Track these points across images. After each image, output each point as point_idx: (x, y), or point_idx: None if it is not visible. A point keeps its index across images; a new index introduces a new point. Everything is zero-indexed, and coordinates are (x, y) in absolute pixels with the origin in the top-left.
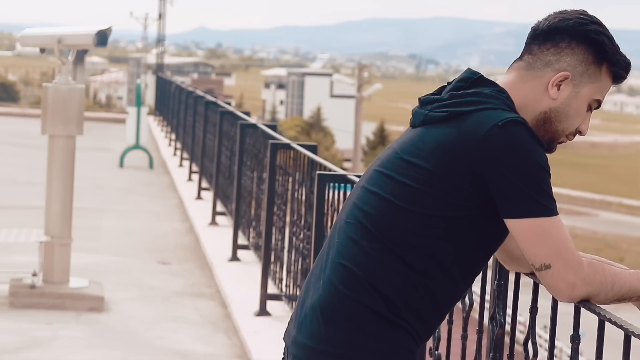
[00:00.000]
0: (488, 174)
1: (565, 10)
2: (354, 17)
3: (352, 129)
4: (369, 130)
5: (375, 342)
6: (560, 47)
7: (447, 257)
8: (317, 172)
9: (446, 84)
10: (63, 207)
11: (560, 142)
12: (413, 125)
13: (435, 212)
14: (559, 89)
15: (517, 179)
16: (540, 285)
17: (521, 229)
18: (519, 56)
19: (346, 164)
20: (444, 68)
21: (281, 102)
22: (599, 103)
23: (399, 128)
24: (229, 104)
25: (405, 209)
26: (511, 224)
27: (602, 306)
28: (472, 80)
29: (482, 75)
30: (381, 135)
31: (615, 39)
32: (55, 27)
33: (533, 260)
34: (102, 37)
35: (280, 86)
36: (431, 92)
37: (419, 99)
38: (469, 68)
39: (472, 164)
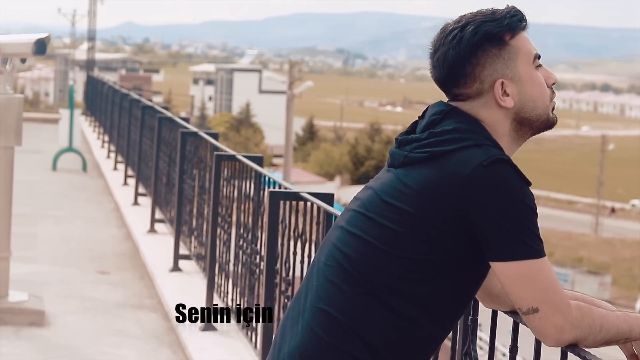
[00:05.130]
0: (473, 215)
1: (436, 46)
2: (282, 12)
3: (282, 124)
4: (297, 126)
5: None
6: (470, 74)
7: (432, 301)
8: (269, 189)
9: (418, 119)
10: (1, 219)
11: (553, 109)
12: (392, 165)
13: (420, 255)
14: (508, 95)
15: (504, 221)
16: (519, 323)
17: (508, 272)
18: (450, 99)
19: (276, 160)
20: (372, 63)
21: (210, 98)
22: (537, 56)
23: (328, 123)
24: (167, 108)
25: (388, 253)
26: (497, 267)
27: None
28: (446, 111)
29: (456, 107)
30: (310, 131)
31: (483, 12)
32: None
33: (520, 304)
34: (40, 46)
35: (209, 82)
36: (405, 129)
37: (396, 139)
38: (440, 101)
39: (457, 206)
